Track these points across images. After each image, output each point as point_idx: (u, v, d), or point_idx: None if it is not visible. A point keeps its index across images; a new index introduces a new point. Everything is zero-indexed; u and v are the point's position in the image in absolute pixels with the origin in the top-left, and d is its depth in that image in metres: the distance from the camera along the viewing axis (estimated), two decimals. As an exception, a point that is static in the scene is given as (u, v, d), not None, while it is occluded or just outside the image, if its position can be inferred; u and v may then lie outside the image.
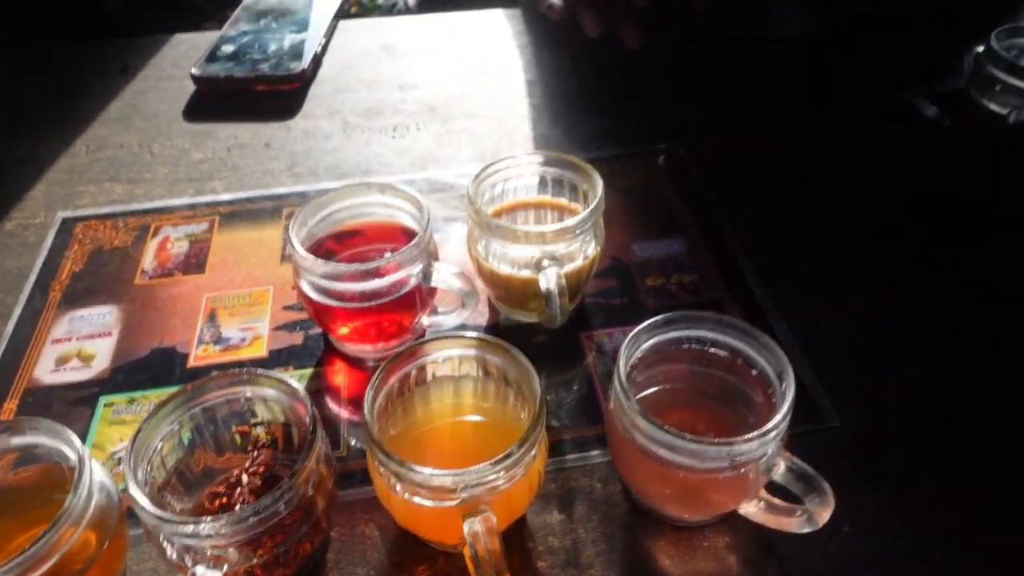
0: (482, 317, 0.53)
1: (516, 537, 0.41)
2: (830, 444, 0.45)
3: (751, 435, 0.35)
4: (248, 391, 0.39)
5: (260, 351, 0.51)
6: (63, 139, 0.72)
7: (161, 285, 0.55)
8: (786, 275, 0.55)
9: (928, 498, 0.43)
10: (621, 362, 0.38)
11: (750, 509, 0.39)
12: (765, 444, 0.36)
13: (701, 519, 0.41)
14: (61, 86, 0.80)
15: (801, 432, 0.44)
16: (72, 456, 0.36)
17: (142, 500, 0.33)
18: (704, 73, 0.79)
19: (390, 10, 1.49)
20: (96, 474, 0.36)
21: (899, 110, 0.68)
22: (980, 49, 0.62)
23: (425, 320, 0.50)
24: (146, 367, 0.50)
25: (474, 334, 0.42)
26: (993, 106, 0.61)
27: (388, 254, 0.47)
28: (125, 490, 0.34)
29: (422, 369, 0.41)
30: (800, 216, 0.61)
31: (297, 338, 0.52)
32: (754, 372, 0.41)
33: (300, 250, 0.46)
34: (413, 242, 0.46)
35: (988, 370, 0.49)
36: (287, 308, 0.54)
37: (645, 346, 0.41)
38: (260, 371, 0.39)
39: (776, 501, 0.39)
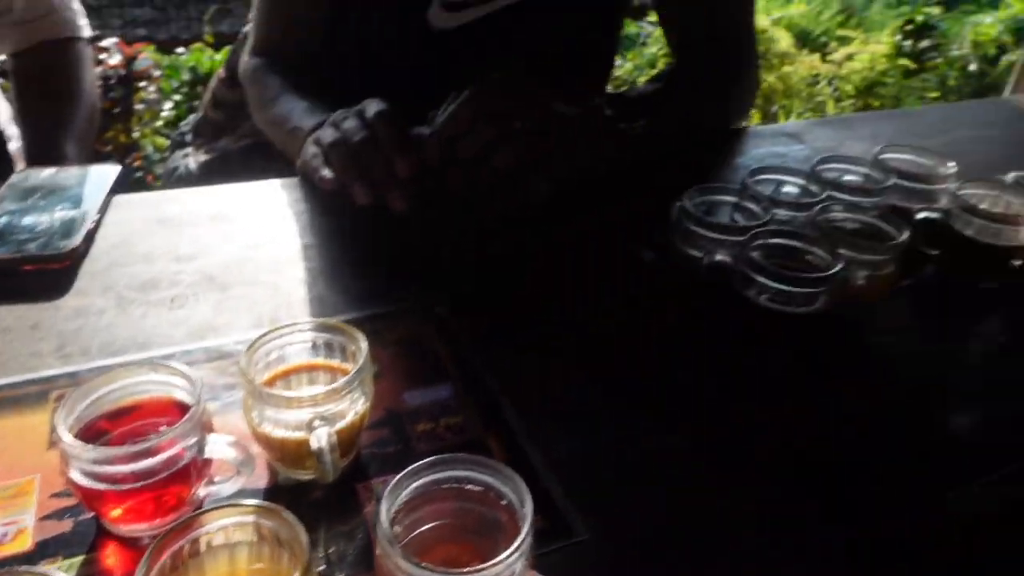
0: (261, 480, 0.55)
1: None
2: (579, 559, 0.51)
3: (495, 560, 0.40)
4: None
5: (25, 545, 0.49)
6: None
7: (-91, 488, 0.53)
8: (539, 409, 0.63)
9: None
10: (383, 509, 0.43)
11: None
12: (510, 566, 0.41)
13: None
14: None
15: (555, 550, 0.50)
16: None
17: None
18: (466, 232, 0.89)
19: (171, 174, 1.51)
20: None
21: (625, 257, 0.81)
22: (678, 205, 0.76)
23: (202, 491, 0.52)
24: None
25: (248, 501, 0.44)
26: (692, 251, 0.74)
27: (163, 428, 0.49)
28: None
29: (195, 542, 0.43)
30: (553, 353, 0.70)
31: (66, 525, 0.51)
32: (503, 502, 0.46)
33: (67, 437, 0.47)
34: (186, 417, 0.49)
35: (713, 486, 0.58)
36: (55, 495, 0.53)
37: (409, 490, 0.46)
38: (22, 569, 0.39)
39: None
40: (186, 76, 3.77)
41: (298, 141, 1.00)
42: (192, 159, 1.46)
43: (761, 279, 0.65)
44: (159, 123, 3.60)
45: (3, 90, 1.35)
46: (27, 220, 0.82)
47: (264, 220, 0.89)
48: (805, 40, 4.88)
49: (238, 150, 1.43)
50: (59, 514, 0.52)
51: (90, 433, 0.50)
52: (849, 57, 4.52)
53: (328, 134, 0.92)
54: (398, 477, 0.45)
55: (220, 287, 0.77)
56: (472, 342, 0.70)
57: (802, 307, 0.65)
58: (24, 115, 1.25)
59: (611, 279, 0.80)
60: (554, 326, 0.73)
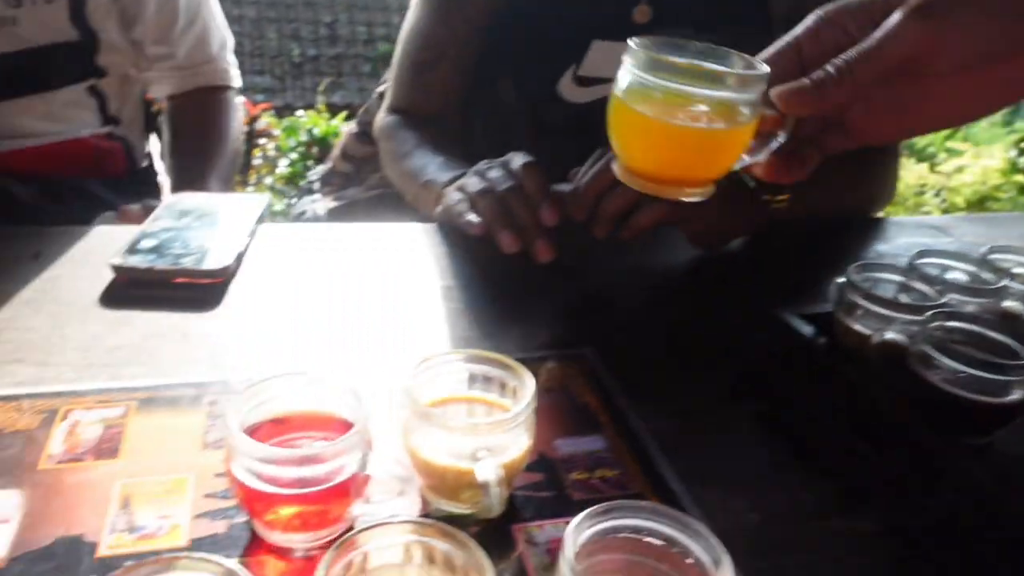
0: (413, 508, 0.53)
1: None
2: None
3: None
4: (182, 578, 0.38)
5: (179, 539, 0.48)
6: (-33, 321, 0.69)
7: (70, 470, 0.52)
8: (703, 475, 0.59)
9: None
10: (568, 549, 0.40)
11: None
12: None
13: None
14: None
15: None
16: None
17: None
18: (611, 283, 0.87)
19: (298, 218, 1.56)
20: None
21: (778, 327, 0.77)
22: (842, 280, 0.72)
23: (357, 509, 0.50)
24: (49, 557, 0.46)
25: (422, 519, 0.42)
26: (858, 327, 0.70)
27: (324, 442, 0.48)
28: None
29: (365, 556, 0.41)
30: (707, 419, 0.66)
31: (220, 526, 0.49)
32: (688, 560, 0.43)
33: (237, 432, 0.46)
34: (354, 428, 0.47)
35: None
36: (209, 495, 0.52)
37: (586, 534, 0.42)
38: (191, 554, 0.38)
39: None
40: (303, 137, 3.97)
41: (432, 193, 1.01)
42: (320, 205, 1.51)
43: (949, 362, 0.60)
44: (272, 179, 3.77)
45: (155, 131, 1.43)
46: (182, 237, 0.85)
47: (405, 259, 0.90)
48: (911, 149, 4.81)
49: (366, 200, 1.47)
50: (213, 515, 0.50)
51: (253, 435, 0.49)
52: (959, 169, 4.41)
53: (474, 182, 0.93)
54: (579, 517, 0.42)
55: (365, 318, 0.77)
56: (624, 395, 0.67)
57: (994, 396, 0.60)
58: (174, 151, 1.31)
59: (766, 348, 0.76)
60: (711, 390, 0.70)
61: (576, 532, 0.41)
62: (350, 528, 0.50)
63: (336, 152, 1.60)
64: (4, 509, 0.49)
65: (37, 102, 1.07)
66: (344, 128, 1.56)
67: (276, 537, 0.49)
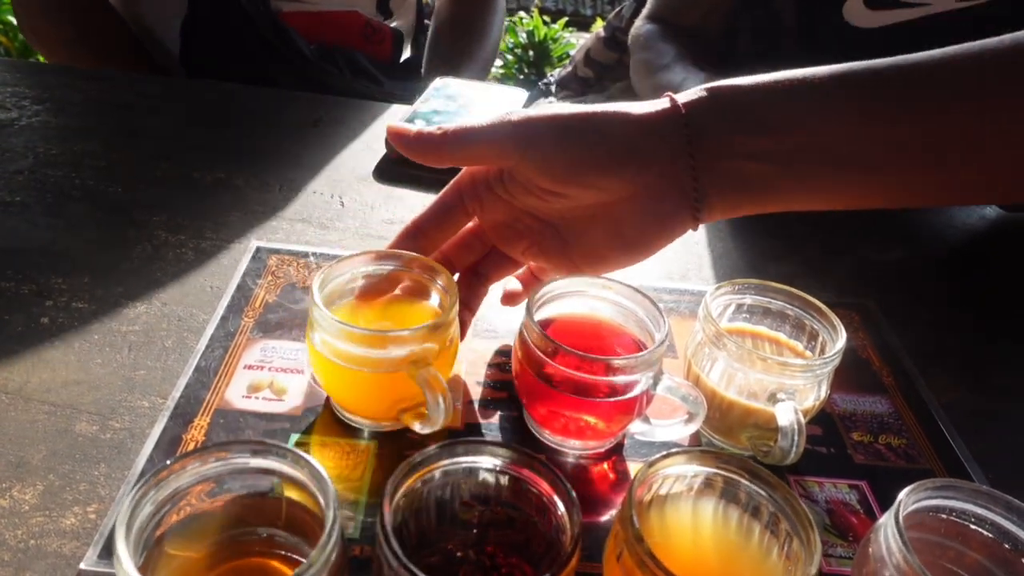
0: (682, 438, 0.50)
1: None
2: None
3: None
4: (490, 462, 0.37)
5: (455, 422, 0.49)
6: (257, 175, 0.73)
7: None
8: (1006, 463, 0.52)
9: None
10: (900, 515, 0.35)
11: None
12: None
13: None
14: (255, 127, 0.82)
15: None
16: (321, 500, 0.33)
17: (411, 566, 0.30)
18: (891, 230, 0.78)
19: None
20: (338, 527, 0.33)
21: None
22: None
23: (635, 427, 0.48)
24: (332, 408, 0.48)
25: (727, 453, 0.39)
26: None
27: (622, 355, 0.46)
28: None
29: (663, 480, 0.39)
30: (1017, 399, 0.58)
31: (493, 416, 0.49)
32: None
33: (536, 327, 0.44)
34: (654, 345, 0.45)
35: None
36: (480, 383, 0.52)
37: (913, 507, 0.38)
38: (511, 445, 0.37)
39: None
40: (523, 38, 3.94)
41: None
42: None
43: None
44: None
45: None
46: (451, 120, 0.84)
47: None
48: None
49: (604, 106, 1.42)
50: (485, 403, 0.50)
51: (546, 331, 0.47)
52: None
53: None
54: (909, 488, 0.37)
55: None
56: (910, 357, 0.60)
57: None
58: (437, 44, 1.31)
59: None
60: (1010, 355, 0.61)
61: (903, 506, 0.37)
62: (620, 444, 0.49)
63: (579, 55, 1.56)
64: (299, 360, 0.51)
65: None
66: (590, 34, 1.50)
67: (547, 437, 0.48)
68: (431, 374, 0.43)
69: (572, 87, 1.53)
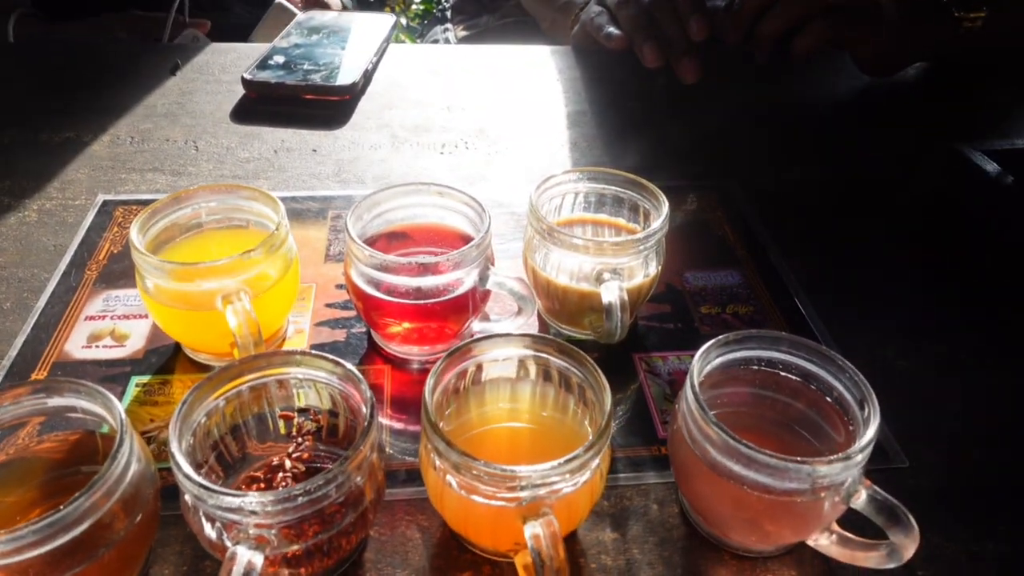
0: (531, 330, 0.51)
1: (567, 552, 0.38)
2: (899, 486, 0.42)
3: (835, 456, 0.33)
4: (299, 372, 0.38)
5: (301, 343, 0.49)
6: (107, 129, 0.71)
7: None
8: (849, 319, 0.53)
9: (1007, 555, 0.40)
10: (694, 375, 0.37)
11: (822, 541, 0.37)
12: (849, 468, 0.34)
13: (766, 549, 0.39)
14: (108, 79, 0.80)
15: (868, 472, 0.42)
16: (112, 421, 0.34)
17: (187, 468, 0.31)
18: (761, 111, 0.79)
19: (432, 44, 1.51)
20: (135, 444, 0.34)
21: (956, 162, 0.67)
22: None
23: (475, 326, 0.48)
24: (182, 350, 0.48)
25: (539, 335, 0.40)
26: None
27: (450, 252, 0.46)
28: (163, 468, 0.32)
29: (479, 367, 0.39)
30: (856, 258, 0.59)
31: (340, 335, 0.50)
32: (829, 399, 0.39)
33: (357, 240, 0.44)
34: (473, 242, 0.45)
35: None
36: (329, 305, 0.52)
37: (715, 363, 0.39)
38: (314, 352, 0.38)
39: (850, 535, 0.37)
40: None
41: (570, 15, 0.94)
42: (452, 33, 1.45)
43: None
44: (407, 17, 3.69)
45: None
46: (312, 55, 0.83)
47: (535, 82, 0.84)
48: None
49: (498, 28, 1.39)
50: (333, 323, 0.51)
51: (373, 246, 0.47)
52: None
53: None
54: (708, 344, 0.38)
55: (490, 140, 0.73)
56: (767, 230, 0.61)
57: None
58: None
59: (938, 186, 0.67)
60: (869, 230, 0.63)
61: (703, 359, 0.38)
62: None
63: (469, -23, 1.52)
64: (142, 305, 0.51)
65: None
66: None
67: (393, 348, 0.48)
68: (237, 308, 0.42)
69: (466, 11, 1.49)
